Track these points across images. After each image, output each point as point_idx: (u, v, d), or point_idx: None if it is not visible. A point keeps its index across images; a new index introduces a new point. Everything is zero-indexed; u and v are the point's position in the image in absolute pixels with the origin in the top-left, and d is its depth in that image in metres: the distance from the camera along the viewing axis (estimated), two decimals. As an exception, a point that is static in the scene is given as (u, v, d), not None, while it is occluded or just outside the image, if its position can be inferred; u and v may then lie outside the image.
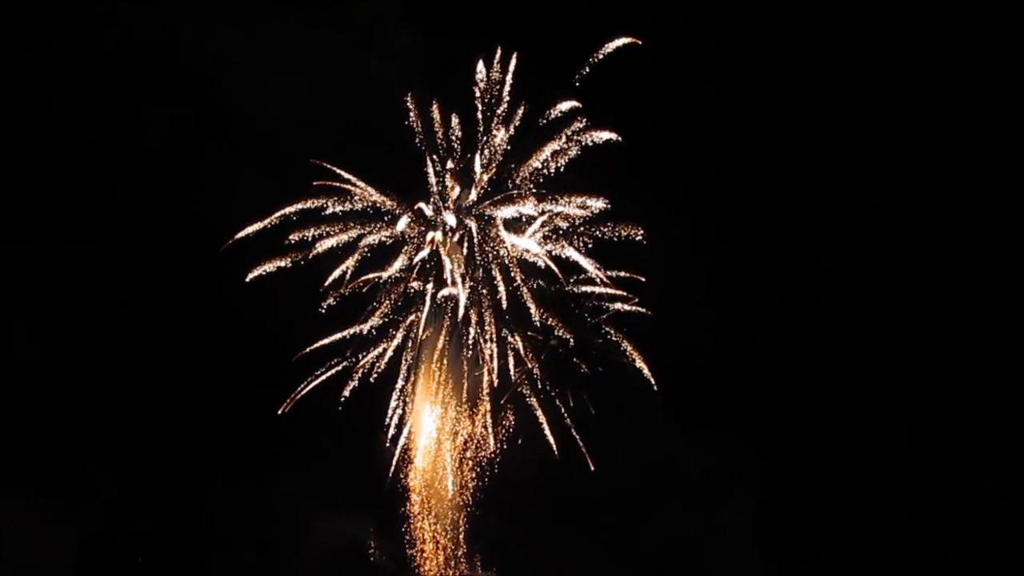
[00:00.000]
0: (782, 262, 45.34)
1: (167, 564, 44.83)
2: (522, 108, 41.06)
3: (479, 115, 41.54)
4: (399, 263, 41.76)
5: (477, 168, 41.73)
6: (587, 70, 40.64)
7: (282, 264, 41.02)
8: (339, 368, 41.66)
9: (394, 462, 41.94)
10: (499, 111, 41.27)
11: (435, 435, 42.37)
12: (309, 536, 44.89)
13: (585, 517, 44.38)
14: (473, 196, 42.06)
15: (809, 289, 45.37)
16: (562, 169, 41.32)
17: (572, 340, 42.09)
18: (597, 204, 40.82)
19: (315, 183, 40.81)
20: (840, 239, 46.25)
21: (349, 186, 41.21)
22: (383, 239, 41.62)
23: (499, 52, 40.96)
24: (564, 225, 41.50)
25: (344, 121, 42.77)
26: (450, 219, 41.67)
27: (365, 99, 42.28)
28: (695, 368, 43.17)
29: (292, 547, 44.90)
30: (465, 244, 41.93)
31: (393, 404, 41.88)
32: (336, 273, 40.92)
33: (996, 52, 44.99)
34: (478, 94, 41.24)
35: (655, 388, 41.29)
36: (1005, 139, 45.11)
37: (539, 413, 41.99)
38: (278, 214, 40.67)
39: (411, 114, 41.51)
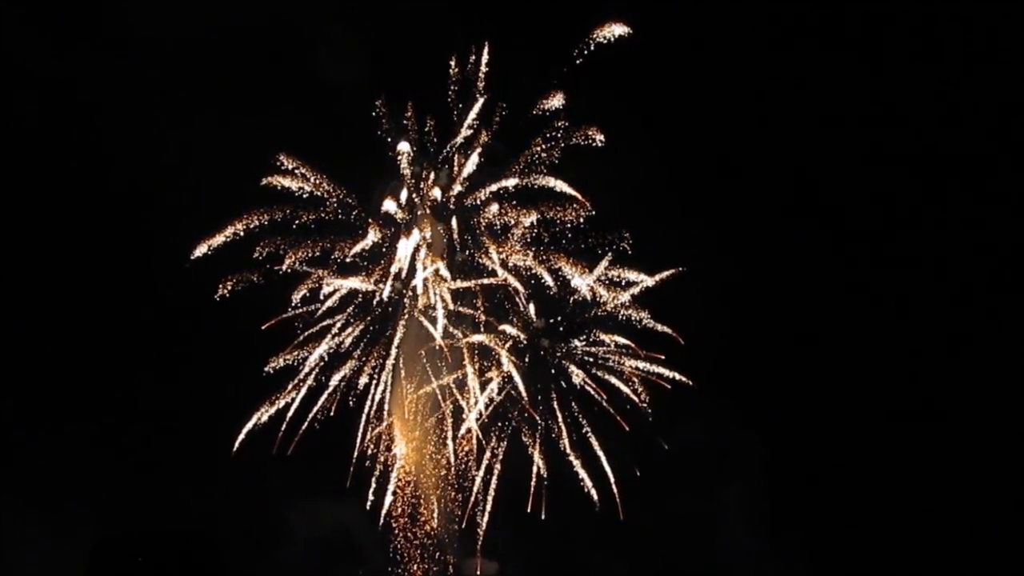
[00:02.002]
0: (781, 257, 43.79)
1: (183, 561, 44.73)
2: (501, 107, 38.47)
3: (453, 116, 39.00)
4: (374, 275, 39.73)
5: (454, 170, 39.39)
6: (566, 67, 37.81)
7: (254, 279, 39.38)
8: (310, 386, 39.97)
9: (371, 490, 40.23)
10: (475, 107, 38.54)
11: (414, 460, 40.57)
12: (295, 525, 43.47)
13: (583, 511, 41.77)
14: (451, 202, 39.77)
15: (810, 280, 43.71)
16: (545, 172, 38.71)
17: (559, 349, 39.97)
18: (581, 210, 38.34)
19: (273, 178, 38.84)
20: (841, 235, 44.35)
21: (311, 185, 39.17)
22: (355, 249, 39.44)
23: (474, 43, 38.28)
24: (548, 230, 39.10)
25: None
26: (426, 229, 39.36)
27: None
28: (693, 356, 40.82)
29: (279, 537, 43.61)
30: (444, 253, 39.69)
31: (371, 425, 40.08)
32: (307, 286, 39.09)
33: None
34: (452, 97, 38.71)
35: (649, 409, 39.58)
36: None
37: (524, 432, 39.89)
38: (243, 223, 38.93)
39: (383, 120, 39.22)
